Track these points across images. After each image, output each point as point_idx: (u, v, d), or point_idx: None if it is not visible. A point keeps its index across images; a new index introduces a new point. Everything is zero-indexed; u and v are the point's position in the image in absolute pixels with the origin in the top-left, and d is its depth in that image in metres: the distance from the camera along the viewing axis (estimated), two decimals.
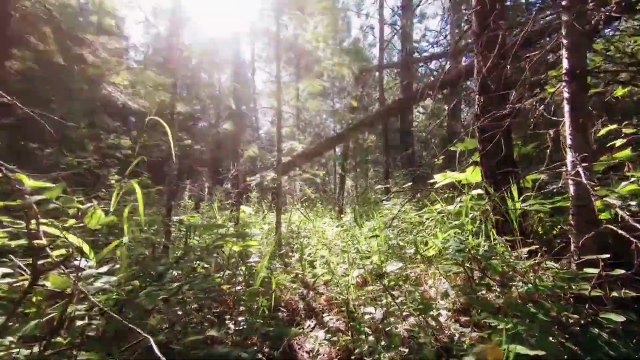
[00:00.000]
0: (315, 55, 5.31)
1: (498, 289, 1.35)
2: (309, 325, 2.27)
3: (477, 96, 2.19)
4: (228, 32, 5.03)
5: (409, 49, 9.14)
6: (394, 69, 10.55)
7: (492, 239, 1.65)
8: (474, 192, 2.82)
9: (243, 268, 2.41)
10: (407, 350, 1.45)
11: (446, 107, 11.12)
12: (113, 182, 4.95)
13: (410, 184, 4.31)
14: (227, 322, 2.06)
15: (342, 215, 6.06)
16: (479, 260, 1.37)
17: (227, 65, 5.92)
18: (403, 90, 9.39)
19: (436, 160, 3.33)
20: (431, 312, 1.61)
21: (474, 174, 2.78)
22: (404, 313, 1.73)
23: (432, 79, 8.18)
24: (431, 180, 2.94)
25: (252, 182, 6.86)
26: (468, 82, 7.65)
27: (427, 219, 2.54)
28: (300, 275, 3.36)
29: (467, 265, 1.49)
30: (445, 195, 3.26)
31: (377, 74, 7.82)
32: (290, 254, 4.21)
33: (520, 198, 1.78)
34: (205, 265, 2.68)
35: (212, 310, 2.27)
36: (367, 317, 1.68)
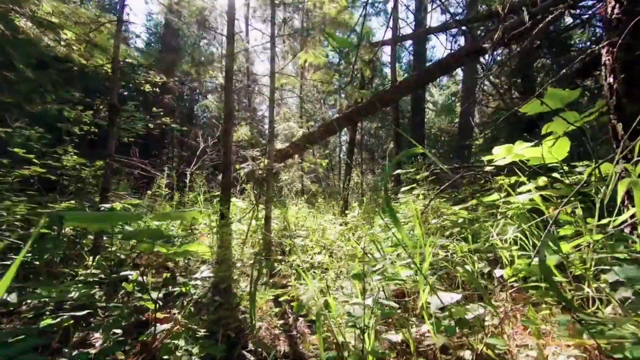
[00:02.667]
0: (320, 13, 4.31)
1: None
2: None
3: None
4: None
5: (424, 21, 8.08)
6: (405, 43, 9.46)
7: None
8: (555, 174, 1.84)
9: (184, 289, 1.46)
10: None
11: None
12: (68, 164, 4.03)
13: (446, 167, 3.28)
14: None
15: (347, 212, 5.09)
16: None
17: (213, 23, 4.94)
18: (416, 64, 8.33)
19: (485, 133, 2.32)
20: None
21: (559, 148, 1.75)
22: None
23: (448, 51, 7.04)
24: (487, 157, 1.92)
25: (242, 169, 5.90)
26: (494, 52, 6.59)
27: (490, 215, 1.56)
28: (288, 288, 2.42)
29: None
30: (499, 182, 2.24)
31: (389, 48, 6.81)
32: (280, 257, 3.29)
33: None
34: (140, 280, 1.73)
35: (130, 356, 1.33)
36: None
